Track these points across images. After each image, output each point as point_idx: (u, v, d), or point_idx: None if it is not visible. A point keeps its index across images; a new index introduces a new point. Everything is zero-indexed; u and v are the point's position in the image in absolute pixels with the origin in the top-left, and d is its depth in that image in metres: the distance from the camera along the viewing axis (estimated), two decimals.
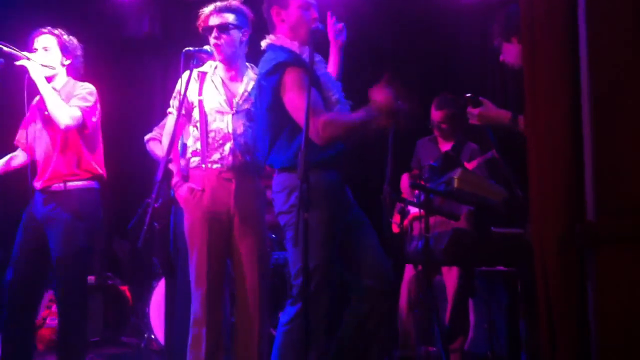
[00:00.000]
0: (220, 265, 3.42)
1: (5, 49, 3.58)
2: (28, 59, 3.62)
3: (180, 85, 3.44)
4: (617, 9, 1.89)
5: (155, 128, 4.28)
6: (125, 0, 6.07)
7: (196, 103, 3.47)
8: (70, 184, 3.70)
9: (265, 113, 3.07)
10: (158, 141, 4.17)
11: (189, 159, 3.48)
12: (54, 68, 3.73)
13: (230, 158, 3.39)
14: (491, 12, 5.17)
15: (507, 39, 3.07)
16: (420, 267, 4.38)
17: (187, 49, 3.29)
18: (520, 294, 3.23)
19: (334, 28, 3.31)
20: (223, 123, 3.42)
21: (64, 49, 3.78)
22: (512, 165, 3.25)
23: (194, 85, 3.47)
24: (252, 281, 3.38)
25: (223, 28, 3.40)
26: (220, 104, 3.44)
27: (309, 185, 2.60)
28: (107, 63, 5.71)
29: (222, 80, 3.49)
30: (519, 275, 3.20)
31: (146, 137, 4.30)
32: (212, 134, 3.42)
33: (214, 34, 3.41)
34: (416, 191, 3.75)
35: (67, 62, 3.81)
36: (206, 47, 3.38)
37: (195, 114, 3.47)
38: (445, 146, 4.64)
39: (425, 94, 4.63)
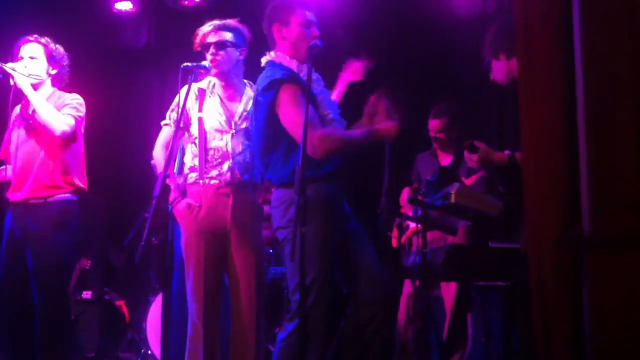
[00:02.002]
0: (216, 280, 3.42)
1: None
2: (13, 69, 3.57)
3: (179, 98, 3.45)
4: (611, 8, 1.89)
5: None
6: (123, 11, 6.09)
7: (195, 120, 3.47)
8: (50, 198, 3.64)
9: (261, 129, 3.08)
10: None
11: (187, 175, 3.49)
12: (40, 77, 3.68)
13: (228, 175, 3.41)
14: (486, 23, 5.20)
15: (495, 56, 3.09)
16: (418, 282, 4.38)
17: (185, 64, 3.28)
18: (517, 308, 3.22)
19: (357, 66, 3.34)
20: (222, 142, 3.44)
21: (51, 58, 3.73)
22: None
23: (193, 102, 3.48)
24: (248, 296, 3.38)
25: (220, 45, 3.42)
26: (220, 122, 3.46)
27: (305, 199, 2.61)
28: (104, 74, 5.72)
29: (221, 99, 3.50)
30: (516, 289, 3.20)
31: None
32: (211, 152, 3.44)
33: (212, 50, 3.42)
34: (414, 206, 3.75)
35: (53, 71, 3.75)
36: (204, 63, 3.40)
37: (194, 130, 3.48)
38: (445, 160, 4.65)
39: (422, 105, 4.65)
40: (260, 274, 3.46)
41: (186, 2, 3.78)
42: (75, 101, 3.71)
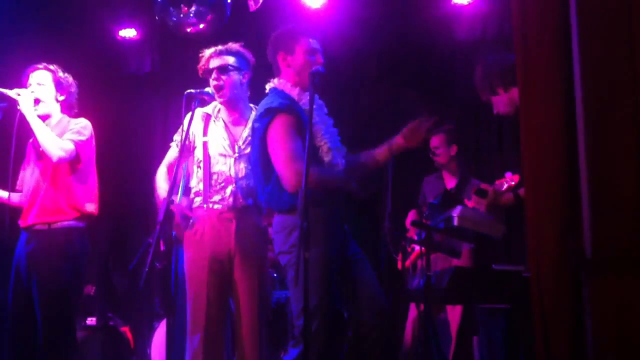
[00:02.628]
0: (220, 306, 3.40)
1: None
2: (18, 94, 3.59)
3: (183, 124, 3.46)
4: (609, 10, 1.90)
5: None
6: (127, 38, 6.15)
7: (200, 144, 3.49)
8: (54, 225, 3.63)
9: (257, 156, 3.10)
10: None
11: (192, 199, 3.50)
12: (45, 102, 3.70)
13: (231, 200, 3.41)
14: (484, 45, 5.25)
15: (493, 93, 3.14)
16: (422, 306, 4.37)
17: (188, 90, 3.30)
18: (522, 331, 3.21)
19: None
20: (226, 166, 3.44)
21: (58, 85, 3.75)
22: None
23: (198, 126, 3.50)
24: (251, 321, 3.36)
25: (223, 70, 3.43)
26: (224, 147, 3.46)
27: (308, 224, 2.61)
28: (108, 101, 5.75)
29: (225, 124, 3.51)
30: (520, 311, 3.18)
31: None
32: (215, 176, 3.44)
33: (214, 75, 3.43)
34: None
35: (61, 97, 3.77)
36: (208, 89, 3.39)
37: (199, 155, 3.49)
38: (451, 183, 4.67)
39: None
40: (264, 298, 3.45)
41: (190, 29, 3.81)
42: (77, 125, 3.71)
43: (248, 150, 3.45)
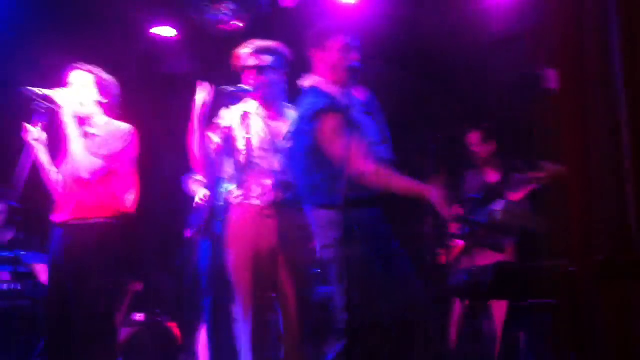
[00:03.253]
0: (265, 301, 3.43)
1: (38, 92, 3.56)
2: (62, 99, 3.58)
3: (222, 121, 3.49)
4: None
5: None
6: (166, 38, 6.22)
7: (241, 140, 3.51)
8: (91, 220, 3.60)
9: (303, 155, 3.11)
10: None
11: (232, 195, 3.53)
12: (88, 105, 3.67)
13: (271, 195, 3.42)
14: (518, 43, 5.16)
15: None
16: (466, 301, 4.34)
17: (223, 87, 3.33)
18: (567, 326, 3.16)
19: None
20: (265, 162, 3.46)
21: (101, 87, 3.72)
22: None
23: (237, 123, 3.52)
24: (295, 316, 3.39)
25: (260, 70, 3.44)
26: (263, 143, 3.49)
27: (350, 221, 2.62)
28: (145, 100, 5.82)
29: (264, 120, 3.53)
30: (565, 306, 3.14)
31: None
32: (254, 172, 3.46)
33: (252, 74, 3.45)
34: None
35: (105, 101, 3.73)
36: (242, 86, 3.42)
37: (239, 151, 3.52)
38: (492, 177, 4.63)
39: (456, 124, 4.68)
40: (308, 292, 3.46)
41: (227, 28, 3.84)
42: (116, 136, 3.69)
43: (287, 145, 3.47)
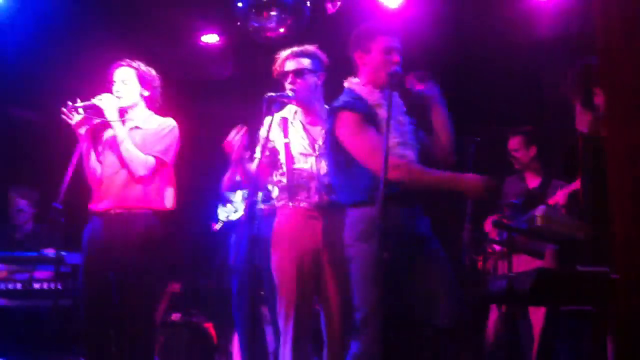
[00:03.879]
0: (308, 303, 3.46)
1: (80, 104, 3.65)
2: (100, 100, 3.66)
3: (263, 131, 3.53)
4: None
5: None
6: (209, 44, 6.29)
7: (282, 147, 3.55)
8: (134, 210, 3.66)
9: (328, 153, 3.19)
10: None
11: (277, 199, 3.57)
12: (129, 98, 3.76)
13: (316, 197, 3.46)
14: (562, 45, 5.11)
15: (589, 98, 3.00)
16: (504, 307, 4.30)
17: (268, 94, 3.36)
18: (608, 334, 3.11)
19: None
20: (307, 165, 3.50)
21: (142, 80, 3.81)
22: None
23: (277, 131, 3.56)
24: (338, 317, 3.41)
25: (298, 73, 3.48)
26: (304, 147, 3.52)
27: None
28: (190, 106, 5.89)
29: (303, 125, 3.57)
30: (606, 314, 3.09)
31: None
32: (297, 176, 3.50)
33: (290, 79, 3.48)
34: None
35: (146, 93, 3.82)
36: (287, 92, 3.45)
37: (281, 156, 3.56)
38: (533, 183, 4.59)
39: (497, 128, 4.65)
40: (350, 292, 3.46)
41: (270, 34, 3.87)
42: (162, 131, 3.77)
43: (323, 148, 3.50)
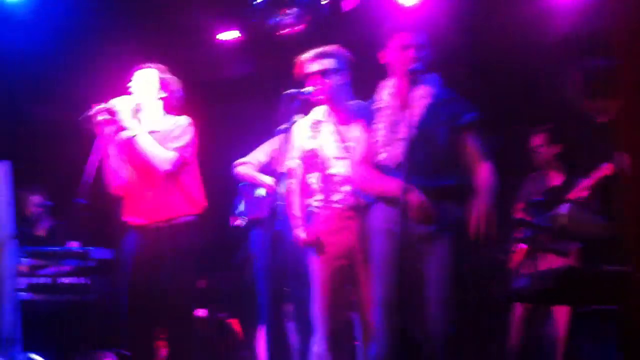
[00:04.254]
0: (341, 305, 3.50)
1: (98, 108, 3.66)
2: (115, 105, 3.69)
3: (296, 134, 3.57)
4: None
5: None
6: (228, 41, 6.30)
7: (316, 148, 3.57)
8: (174, 220, 3.71)
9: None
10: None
11: (311, 200, 3.58)
12: (143, 103, 3.79)
13: (350, 199, 3.46)
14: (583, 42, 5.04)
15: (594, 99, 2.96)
16: (528, 306, 4.26)
17: (288, 91, 3.36)
18: (633, 333, 3.07)
19: None
20: (341, 167, 3.49)
21: (162, 83, 3.85)
22: None
23: (308, 133, 3.59)
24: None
25: (323, 74, 3.47)
26: (337, 149, 3.52)
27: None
28: (208, 103, 5.91)
29: (334, 126, 3.57)
30: (631, 313, 3.05)
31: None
32: (332, 178, 3.51)
33: (314, 80, 3.47)
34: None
35: (163, 94, 3.84)
36: (306, 89, 3.43)
37: (315, 158, 3.58)
38: (555, 181, 4.54)
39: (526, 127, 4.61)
40: None
41: (289, 30, 3.88)
42: (179, 129, 3.78)
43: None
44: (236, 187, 4.67)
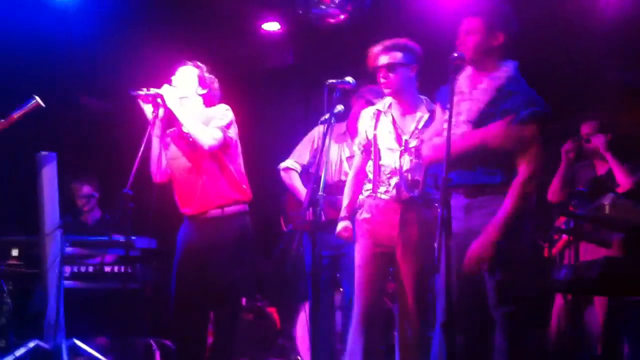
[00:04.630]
0: (378, 294, 3.56)
1: (140, 93, 3.76)
2: (160, 95, 3.76)
3: (361, 125, 3.65)
4: None
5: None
6: (270, 32, 6.32)
7: (371, 138, 3.62)
8: (227, 208, 3.79)
9: None
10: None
11: (363, 189, 3.65)
12: (186, 92, 3.88)
13: (394, 192, 3.49)
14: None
15: None
16: (569, 297, 4.23)
17: (329, 81, 3.37)
18: None
19: None
20: (391, 159, 3.53)
21: (201, 80, 3.93)
22: None
23: (369, 122, 3.63)
24: (412, 306, 3.45)
25: (391, 67, 3.48)
26: (391, 141, 3.55)
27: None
28: (252, 94, 5.96)
29: (394, 118, 3.59)
30: None
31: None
32: (383, 169, 3.55)
33: (382, 73, 3.49)
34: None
35: (202, 91, 3.93)
36: (348, 79, 3.42)
37: (369, 149, 3.64)
38: (602, 170, 4.48)
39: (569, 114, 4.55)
40: (423, 284, 3.48)
41: (332, 20, 3.88)
42: (220, 112, 3.87)
43: (415, 142, 3.49)
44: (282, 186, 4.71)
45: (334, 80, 3.38)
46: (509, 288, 2.91)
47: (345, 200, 3.70)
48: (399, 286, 3.53)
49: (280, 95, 6.71)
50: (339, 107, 3.52)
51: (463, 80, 3.09)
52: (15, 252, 4.68)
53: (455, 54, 2.93)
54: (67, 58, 5.98)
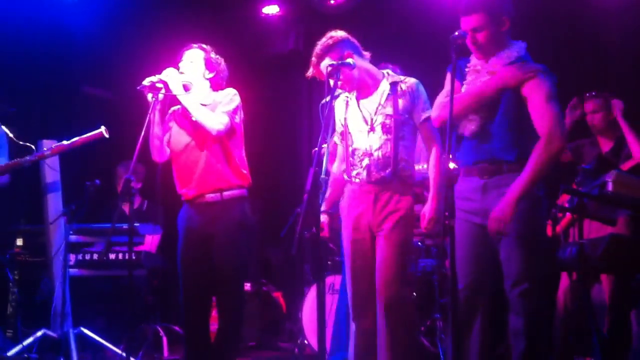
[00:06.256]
0: (368, 275, 3.49)
1: (145, 83, 3.69)
2: (166, 76, 3.72)
3: (336, 116, 3.62)
4: None
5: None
6: (271, 16, 6.29)
7: (341, 125, 3.62)
8: (226, 193, 3.78)
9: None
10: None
11: (343, 174, 3.62)
12: (193, 76, 3.85)
13: (364, 174, 3.48)
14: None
15: None
16: (575, 275, 4.22)
17: (330, 63, 3.36)
18: None
19: None
20: (363, 141, 3.52)
21: (208, 63, 3.91)
22: None
23: (341, 110, 3.62)
24: (388, 281, 3.41)
25: (333, 73, 3.34)
26: (359, 122, 3.54)
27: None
28: (253, 78, 5.94)
29: (357, 100, 3.58)
30: None
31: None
32: (356, 152, 3.53)
33: (332, 79, 3.36)
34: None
35: (210, 75, 3.91)
36: (349, 60, 3.41)
37: (341, 134, 3.63)
38: (606, 147, 4.46)
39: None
40: (402, 265, 3.44)
41: (333, 2, 3.84)
42: (227, 97, 3.85)
43: (381, 120, 3.47)
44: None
45: (334, 62, 3.36)
46: (525, 266, 2.94)
47: (327, 193, 3.66)
48: (376, 269, 3.47)
49: (282, 80, 6.69)
50: (340, 91, 3.49)
51: (475, 60, 3.13)
52: (20, 242, 4.70)
53: (457, 33, 2.93)
54: (69, 46, 5.98)
